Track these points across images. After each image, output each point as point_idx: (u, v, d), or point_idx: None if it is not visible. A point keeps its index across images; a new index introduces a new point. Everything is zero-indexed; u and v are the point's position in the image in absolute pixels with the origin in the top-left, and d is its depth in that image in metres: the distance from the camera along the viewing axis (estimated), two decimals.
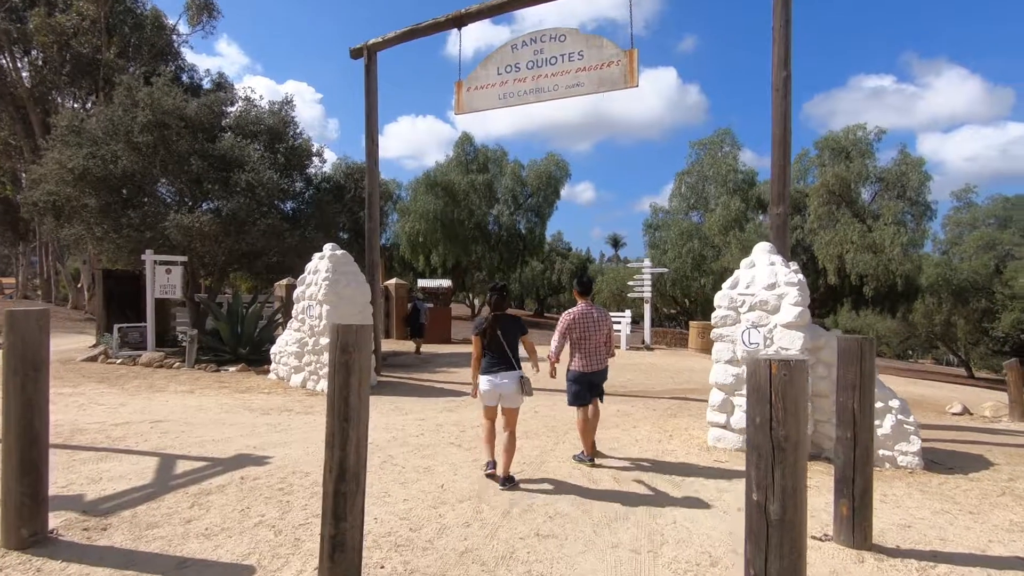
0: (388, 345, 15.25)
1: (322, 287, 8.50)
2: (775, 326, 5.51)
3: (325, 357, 8.42)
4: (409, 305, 14.87)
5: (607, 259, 77.51)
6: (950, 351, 33.06)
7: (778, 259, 5.83)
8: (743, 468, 2.38)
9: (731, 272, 6.22)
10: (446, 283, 19.75)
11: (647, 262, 17.30)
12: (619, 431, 6.34)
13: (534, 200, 24.62)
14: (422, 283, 20.16)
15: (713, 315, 5.90)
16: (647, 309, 17.15)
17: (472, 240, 23.30)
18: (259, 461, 4.83)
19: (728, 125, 23.67)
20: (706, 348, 16.39)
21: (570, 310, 4.96)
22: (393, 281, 20.25)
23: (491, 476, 4.40)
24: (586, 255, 53.54)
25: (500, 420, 4.49)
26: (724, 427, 5.72)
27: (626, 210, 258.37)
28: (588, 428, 4.95)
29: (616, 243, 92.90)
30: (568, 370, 5.03)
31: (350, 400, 2.51)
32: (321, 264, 8.76)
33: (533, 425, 6.42)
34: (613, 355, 5.12)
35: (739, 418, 5.59)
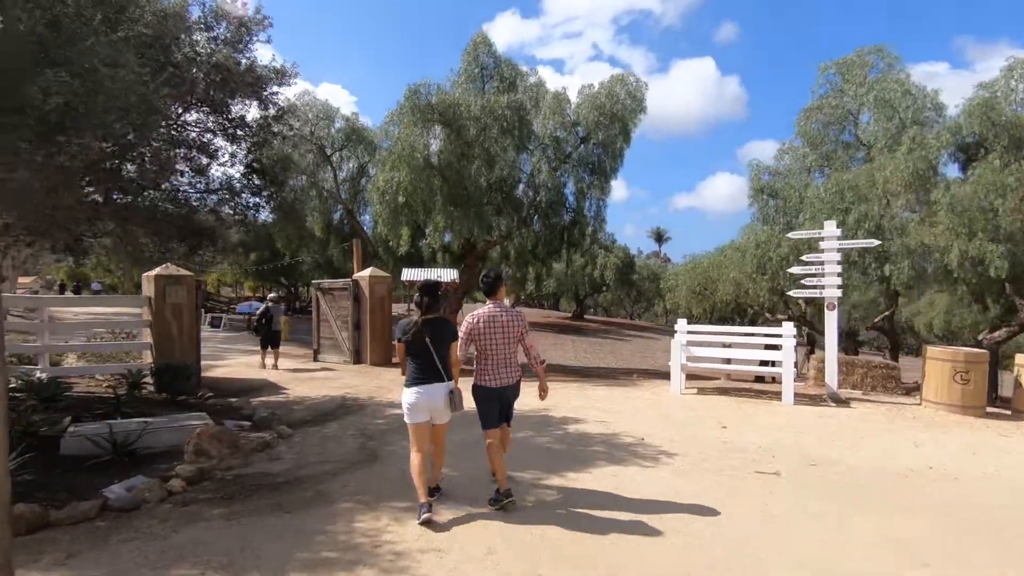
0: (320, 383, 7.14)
1: None
2: None
3: None
4: (259, 309, 11.14)
5: (646, 256, 69.22)
6: None
7: None
8: None
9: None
10: (448, 275, 11.64)
11: (831, 227, 8.84)
12: None
13: (589, 148, 15.12)
14: (409, 274, 12.07)
15: None
16: (833, 320, 8.71)
17: (493, 208, 14.25)
18: None
19: (770, 120, 14.95)
20: (975, 403, 7.83)
21: (474, 312, 4.18)
22: (367, 272, 12.35)
23: (427, 523, 3.56)
24: (624, 249, 46.11)
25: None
26: None
27: (660, 207, 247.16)
28: (500, 454, 4.07)
29: (660, 237, 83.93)
30: (473, 385, 4.14)
31: None
32: None
33: None
34: (543, 362, 4.29)
35: None
